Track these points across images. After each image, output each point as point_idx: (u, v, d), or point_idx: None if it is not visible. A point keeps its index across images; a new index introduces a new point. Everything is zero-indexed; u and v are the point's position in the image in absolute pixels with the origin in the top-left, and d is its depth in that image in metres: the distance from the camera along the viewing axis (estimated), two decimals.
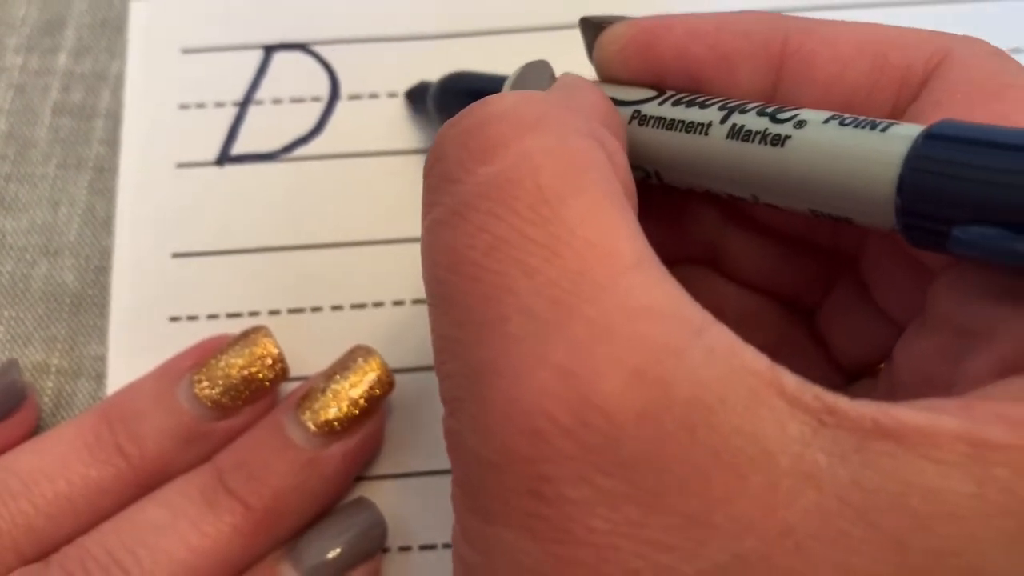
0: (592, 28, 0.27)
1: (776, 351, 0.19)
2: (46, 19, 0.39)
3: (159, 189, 0.36)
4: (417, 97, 0.37)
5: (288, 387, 0.32)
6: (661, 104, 0.25)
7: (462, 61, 0.38)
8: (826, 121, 0.22)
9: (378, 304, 0.35)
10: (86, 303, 0.35)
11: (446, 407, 0.21)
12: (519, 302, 0.19)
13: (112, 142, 0.37)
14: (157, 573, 0.28)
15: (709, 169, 0.24)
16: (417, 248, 0.34)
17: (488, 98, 0.22)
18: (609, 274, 0.19)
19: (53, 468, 0.29)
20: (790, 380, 0.18)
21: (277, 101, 0.38)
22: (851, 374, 0.28)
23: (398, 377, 0.32)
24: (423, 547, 0.32)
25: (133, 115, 0.38)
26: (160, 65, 0.39)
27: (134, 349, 0.34)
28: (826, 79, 0.24)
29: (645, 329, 0.18)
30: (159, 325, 0.34)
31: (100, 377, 0.34)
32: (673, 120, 0.24)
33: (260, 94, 0.38)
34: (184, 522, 0.29)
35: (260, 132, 0.37)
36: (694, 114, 0.24)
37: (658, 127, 0.25)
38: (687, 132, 0.24)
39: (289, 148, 0.37)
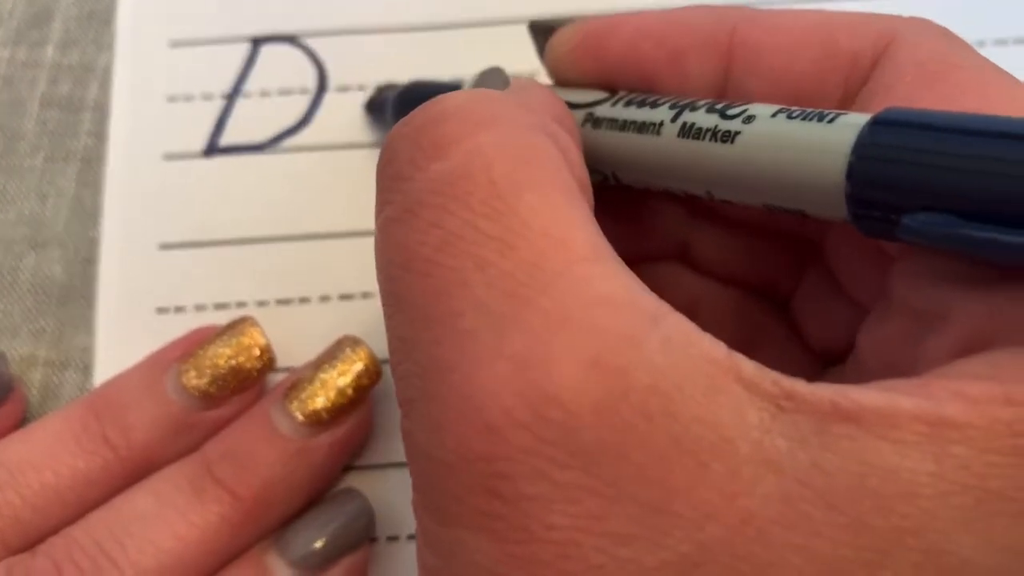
0: (542, 32, 0.28)
1: (753, 343, 0.19)
2: (33, 11, 0.39)
3: (147, 180, 0.36)
4: (376, 108, 0.37)
5: (276, 378, 0.32)
6: (613, 105, 0.25)
7: (450, 53, 0.38)
8: (774, 115, 0.22)
9: (366, 295, 0.35)
10: (74, 295, 0.35)
11: (402, 409, 0.21)
12: (472, 296, 0.19)
13: (100, 134, 0.37)
14: (144, 562, 0.28)
15: (663, 168, 0.24)
16: None
17: (439, 97, 0.22)
18: (564, 264, 0.19)
19: (40, 459, 0.29)
20: (748, 366, 0.18)
21: (265, 93, 0.38)
22: (827, 362, 0.28)
23: (385, 368, 0.32)
24: (411, 537, 0.32)
25: (121, 107, 0.38)
26: (148, 57, 0.39)
27: (122, 340, 0.34)
28: (775, 68, 0.24)
29: (601, 319, 0.18)
30: (147, 316, 0.35)
31: (88, 369, 0.34)
32: (625, 121, 0.25)
33: (248, 86, 0.38)
34: (172, 511, 0.29)
35: (248, 124, 0.37)
36: (645, 114, 0.24)
37: (611, 128, 0.25)
38: (640, 132, 0.24)
39: (277, 140, 0.37)
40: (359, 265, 0.35)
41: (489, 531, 0.18)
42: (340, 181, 0.37)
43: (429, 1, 0.39)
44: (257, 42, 0.39)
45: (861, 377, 0.23)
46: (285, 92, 0.38)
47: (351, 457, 0.32)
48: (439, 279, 0.20)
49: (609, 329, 0.18)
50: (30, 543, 0.29)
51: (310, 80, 0.38)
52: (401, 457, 0.32)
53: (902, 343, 0.22)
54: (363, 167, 0.37)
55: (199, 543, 0.29)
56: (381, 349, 0.31)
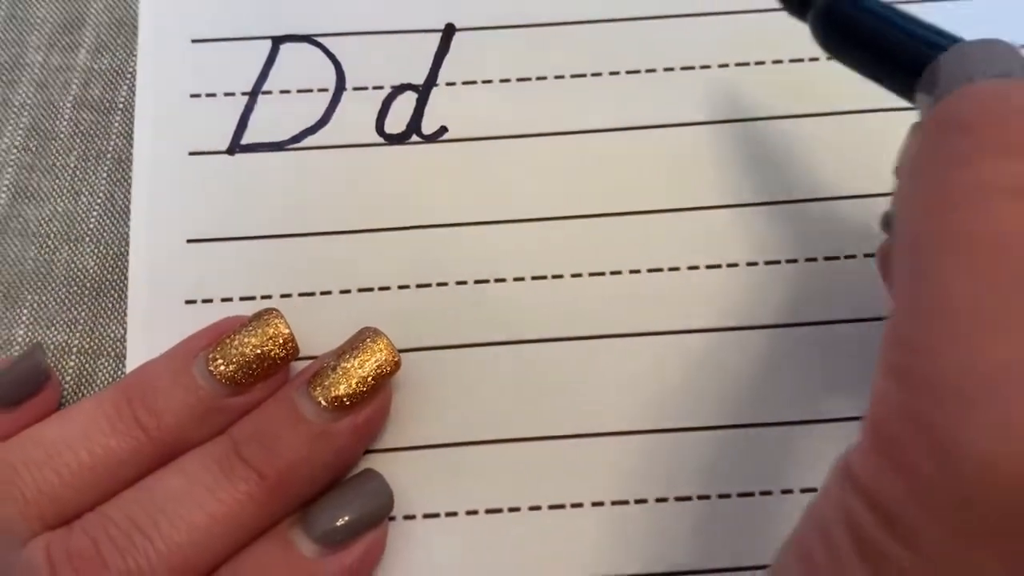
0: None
1: None
2: (66, 18, 0.41)
3: (173, 177, 0.38)
4: (796, 4, 0.32)
5: (298, 366, 0.33)
6: None
7: (464, 54, 0.39)
8: None
9: (384, 288, 0.36)
10: (106, 287, 0.36)
11: (907, 381, 0.20)
12: None
13: (130, 135, 0.38)
14: (176, 537, 0.29)
15: None
16: (417, 235, 0.36)
17: None
18: None
19: (76, 439, 0.31)
20: None
21: (285, 91, 0.39)
22: None
23: (403, 356, 0.33)
24: (427, 515, 0.33)
25: (145, 104, 0.39)
26: (171, 54, 0.40)
27: (152, 330, 0.35)
28: None
29: None
30: (175, 308, 0.36)
31: (120, 357, 0.35)
32: None
33: (269, 84, 0.39)
34: (201, 489, 0.30)
35: (269, 122, 0.39)
36: None
37: None
38: None
39: (297, 138, 0.38)
40: (378, 260, 0.36)
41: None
42: (359, 178, 0.38)
43: (443, 3, 0.41)
44: (277, 41, 0.40)
45: None
46: (304, 91, 0.39)
47: (371, 441, 0.33)
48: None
49: None
50: (66, 519, 0.30)
51: (329, 79, 0.39)
52: (417, 441, 0.34)
53: None
54: (380, 165, 0.38)
55: (227, 519, 0.30)
56: (399, 339, 0.33)
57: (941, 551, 0.18)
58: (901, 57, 0.27)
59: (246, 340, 0.32)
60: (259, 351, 0.32)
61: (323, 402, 0.31)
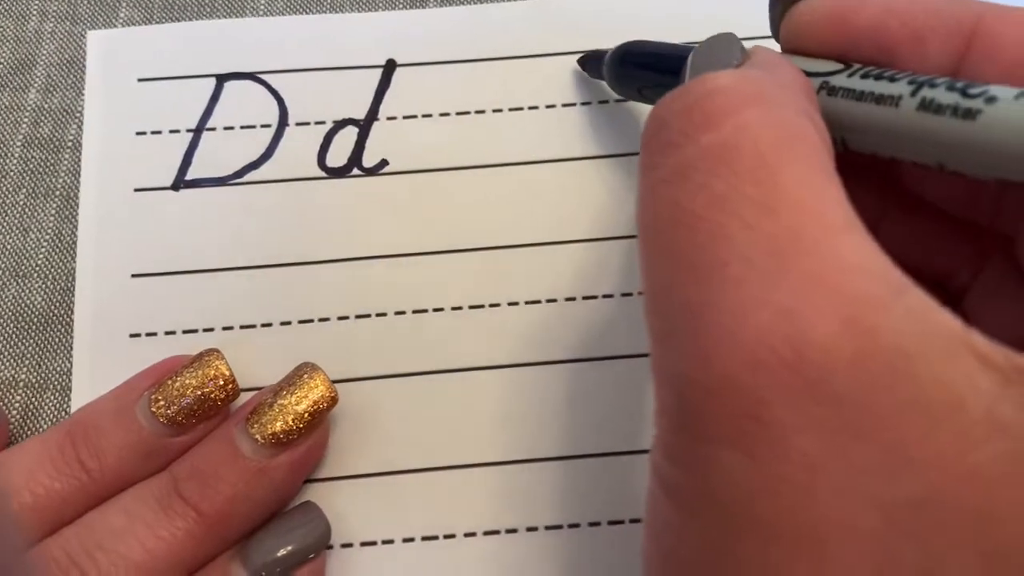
0: (783, 1, 0.28)
1: None
2: (17, 59, 0.41)
3: (118, 213, 0.38)
4: (591, 63, 0.39)
5: (240, 396, 0.34)
6: (850, 76, 0.26)
7: (404, 89, 0.40)
8: (1017, 97, 0.22)
9: (323, 319, 0.37)
10: (53, 322, 0.37)
11: (657, 340, 0.23)
12: (738, 250, 0.21)
13: (78, 172, 0.39)
14: (114, 573, 0.30)
15: (899, 139, 0.25)
16: (357, 267, 0.37)
17: (707, 75, 0.24)
18: (822, 233, 0.21)
19: (20, 481, 0.31)
20: (980, 340, 0.19)
21: (229, 128, 0.40)
22: None
23: (341, 387, 0.34)
24: (364, 543, 0.34)
25: (92, 142, 0.39)
26: (117, 94, 0.40)
27: (97, 364, 0.36)
28: (1011, 60, 0.25)
29: (855, 284, 0.20)
30: (120, 341, 0.36)
31: (66, 390, 0.36)
32: (863, 92, 0.25)
33: (213, 121, 0.40)
34: (140, 526, 0.31)
35: (213, 158, 0.39)
36: (884, 87, 0.25)
37: (848, 98, 0.26)
38: (877, 104, 0.25)
39: (240, 172, 0.39)
40: (318, 291, 0.37)
41: (747, 449, 0.20)
42: (300, 212, 0.38)
43: (383, 41, 0.41)
44: (221, 79, 0.41)
45: None
46: (248, 127, 0.40)
47: (309, 473, 0.34)
48: (705, 233, 0.21)
49: (861, 294, 0.20)
50: None
51: (272, 115, 0.40)
52: (355, 470, 0.35)
53: None
54: (322, 198, 0.39)
55: (167, 555, 0.31)
56: (337, 370, 0.34)
57: (688, 458, 0.21)
58: (674, 69, 0.30)
59: (187, 382, 0.33)
60: (200, 392, 0.33)
61: (260, 439, 0.32)
